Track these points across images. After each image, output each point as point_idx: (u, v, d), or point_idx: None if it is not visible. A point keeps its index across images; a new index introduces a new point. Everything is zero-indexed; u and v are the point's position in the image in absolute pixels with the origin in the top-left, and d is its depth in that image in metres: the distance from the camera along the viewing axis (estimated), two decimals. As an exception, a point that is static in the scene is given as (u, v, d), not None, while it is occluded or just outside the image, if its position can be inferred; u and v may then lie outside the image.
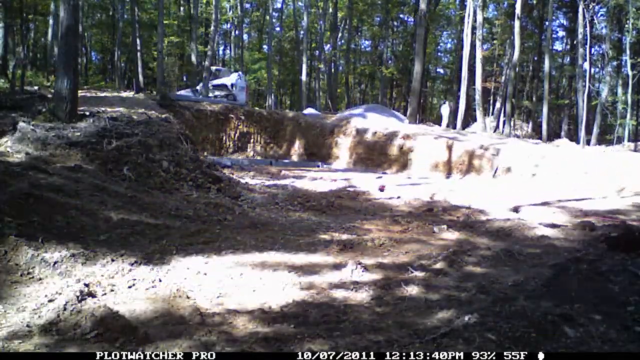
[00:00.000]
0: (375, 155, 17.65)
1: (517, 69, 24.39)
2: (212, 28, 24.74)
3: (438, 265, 4.59)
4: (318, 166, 17.14)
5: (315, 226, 6.58)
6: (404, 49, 37.52)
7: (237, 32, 36.11)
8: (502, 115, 26.39)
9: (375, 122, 19.10)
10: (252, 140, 19.52)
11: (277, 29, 36.01)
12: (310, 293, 3.83)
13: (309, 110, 22.72)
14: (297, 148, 19.59)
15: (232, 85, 22.08)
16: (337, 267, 4.51)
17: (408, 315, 3.42)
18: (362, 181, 12.01)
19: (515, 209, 8.19)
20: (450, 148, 15.71)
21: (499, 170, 13.66)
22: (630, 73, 22.41)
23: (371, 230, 6.44)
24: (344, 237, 5.85)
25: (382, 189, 10.62)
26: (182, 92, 22.16)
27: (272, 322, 3.25)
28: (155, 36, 27.23)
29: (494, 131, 24.56)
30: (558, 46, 37.90)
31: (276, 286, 3.96)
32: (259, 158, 18.45)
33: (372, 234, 6.17)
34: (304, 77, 28.29)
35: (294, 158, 19.06)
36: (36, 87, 13.97)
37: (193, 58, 24.91)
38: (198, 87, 21.90)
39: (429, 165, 15.96)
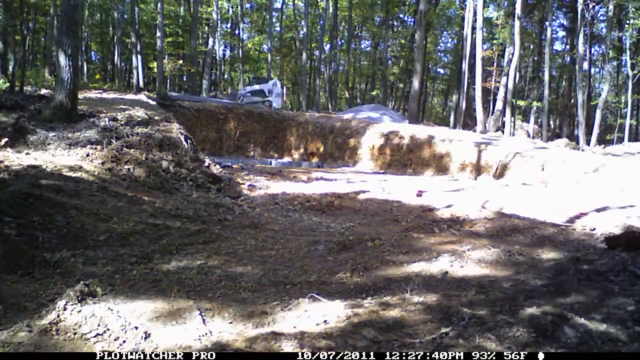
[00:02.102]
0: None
1: (517, 68, 24.38)
2: (212, 28, 24.85)
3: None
4: (319, 166, 17.14)
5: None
6: (403, 49, 37.53)
7: (237, 31, 36.15)
8: (502, 115, 26.41)
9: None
10: (252, 140, 19.53)
11: (277, 28, 36.04)
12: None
13: (310, 112, 22.86)
14: (297, 148, 19.60)
15: (268, 91, 23.33)
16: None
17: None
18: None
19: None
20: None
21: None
22: (630, 73, 22.44)
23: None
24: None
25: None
26: (225, 100, 23.39)
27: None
28: (155, 36, 27.25)
29: (496, 131, 24.57)
30: (558, 46, 37.95)
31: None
32: (259, 158, 18.47)
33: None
34: (304, 77, 28.34)
35: (294, 158, 19.06)
36: (36, 87, 13.97)
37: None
38: (240, 93, 23.85)
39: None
